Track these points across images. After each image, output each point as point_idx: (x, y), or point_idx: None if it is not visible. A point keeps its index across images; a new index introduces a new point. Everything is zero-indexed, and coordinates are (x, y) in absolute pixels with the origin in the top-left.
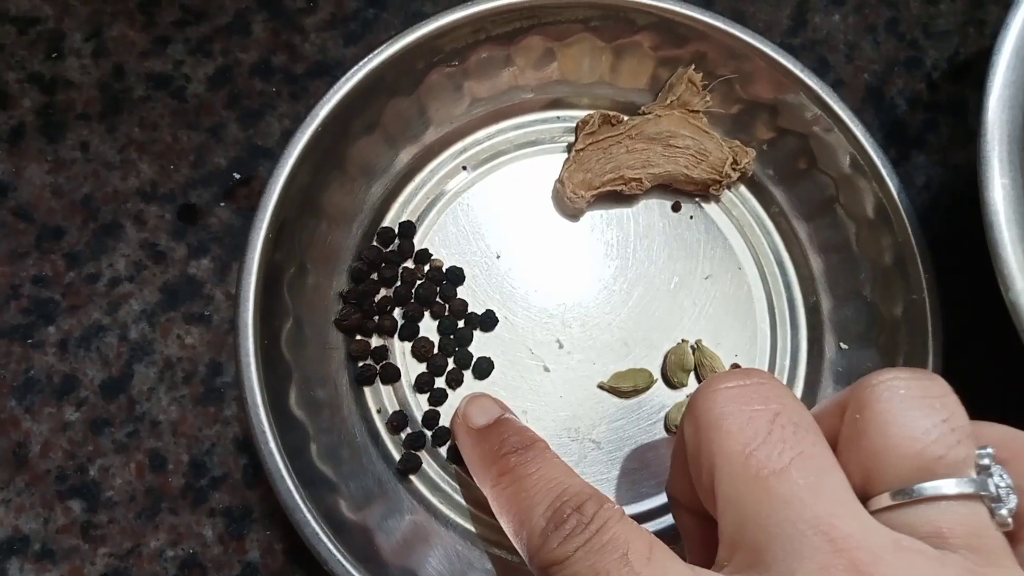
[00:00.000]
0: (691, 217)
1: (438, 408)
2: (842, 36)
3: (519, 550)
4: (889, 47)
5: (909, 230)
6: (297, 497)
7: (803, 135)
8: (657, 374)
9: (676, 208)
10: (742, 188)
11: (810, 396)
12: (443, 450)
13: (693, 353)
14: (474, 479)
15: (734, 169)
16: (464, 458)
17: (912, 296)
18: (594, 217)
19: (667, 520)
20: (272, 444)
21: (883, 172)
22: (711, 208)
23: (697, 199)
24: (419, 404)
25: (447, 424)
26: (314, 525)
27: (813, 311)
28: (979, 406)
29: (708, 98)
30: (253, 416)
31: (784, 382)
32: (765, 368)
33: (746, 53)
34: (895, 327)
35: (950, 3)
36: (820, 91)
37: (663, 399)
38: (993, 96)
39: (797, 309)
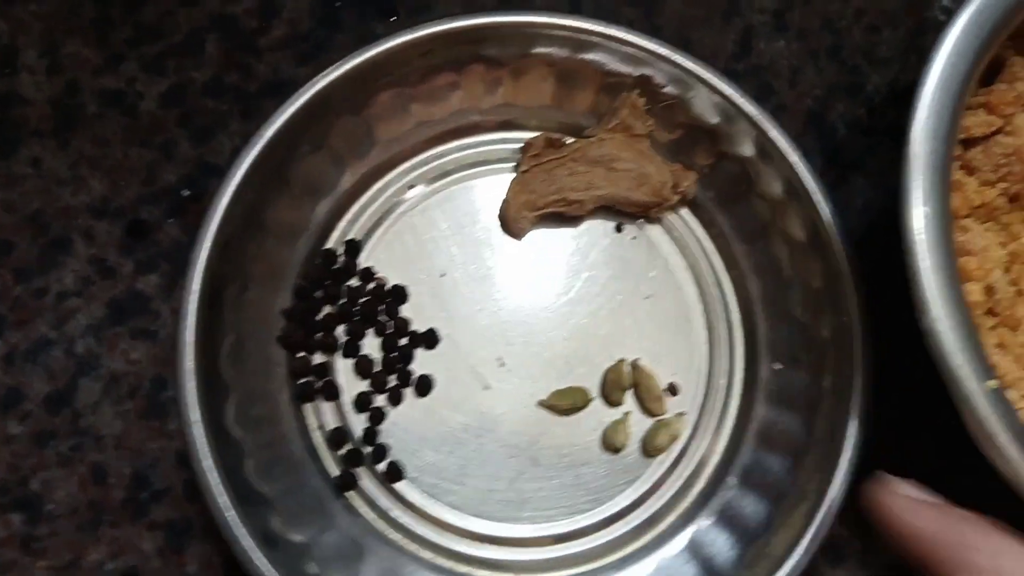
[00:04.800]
0: (633, 238)
1: (378, 426)
2: (786, 62)
3: None
4: (831, 73)
5: (839, 255)
6: (231, 513)
7: (742, 160)
8: (595, 392)
9: (619, 229)
10: (684, 210)
11: (744, 417)
12: (382, 467)
13: (630, 372)
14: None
15: (674, 192)
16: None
17: (841, 318)
18: (538, 237)
19: (602, 538)
20: (208, 460)
21: (816, 198)
22: (653, 229)
23: (640, 220)
24: (359, 421)
25: (386, 441)
26: (245, 542)
27: (750, 332)
28: (907, 427)
29: (651, 122)
30: (189, 432)
31: (720, 402)
32: (702, 388)
33: (687, 79)
34: (824, 348)
35: (891, 31)
36: (757, 117)
37: (600, 417)
38: (917, 126)
39: (735, 330)
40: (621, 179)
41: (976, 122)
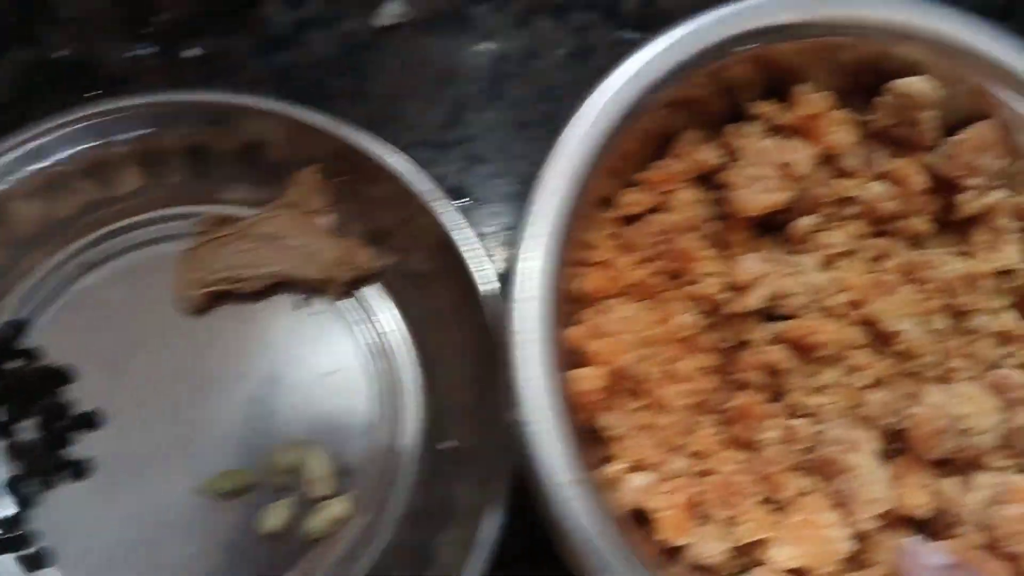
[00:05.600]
0: (318, 313)
1: (27, 511)
2: (495, 134)
3: None
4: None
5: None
6: None
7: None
8: (262, 474)
9: (300, 305)
10: (368, 288)
11: (423, 488)
12: (26, 552)
13: (299, 453)
14: None
15: (348, 270)
16: None
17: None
18: (219, 314)
19: None
20: None
21: (473, 276)
22: (345, 304)
23: (324, 296)
24: (8, 504)
25: (36, 527)
26: None
27: (430, 411)
28: None
29: (327, 198)
30: None
31: (392, 479)
32: (375, 470)
33: (365, 161)
34: (488, 428)
35: None
36: (432, 207)
37: (263, 500)
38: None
39: (409, 409)
40: (290, 256)
41: (632, 200)
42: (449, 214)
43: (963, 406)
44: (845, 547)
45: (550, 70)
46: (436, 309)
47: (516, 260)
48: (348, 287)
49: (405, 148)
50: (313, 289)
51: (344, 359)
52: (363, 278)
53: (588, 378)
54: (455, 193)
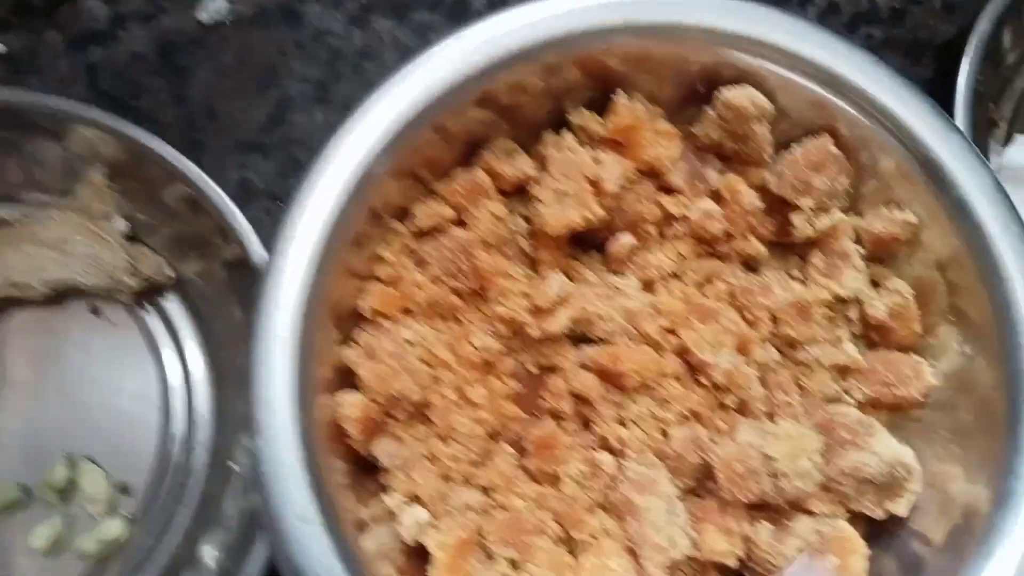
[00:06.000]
0: (106, 325)
1: None
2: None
3: None
4: None
5: None
6: None
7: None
8: (38, 490)
9: (91, 314)
10: (165, 299)
11: (213, 506)
12: None
13: (71, 469)
14: None
15: (135, 277)
16: None
17: None
18: (3, 320)
19: None
20: None
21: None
22: (130, 316)
23: (116, 305)
24: None
25: None
26: None
27: (218, 427)
28: None
29: (115, 203)
30: None
31: (179, 498)
32: (157, 488)
33: (158, 166)
34: None
35: None
36: (226, 215)
37: (36, 517)
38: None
39: (200, 428)
40: (73, 262)
41: (429, 212)
42: (242, 223)
43: (777, 446)
44: None
45: (384, 72)
46: (232, 323)
47: (268, 268)
48: (141, 297)
49: (223, 150)
50: (103, 298)
51: (136, 373)
52: (157, 288)
53: (353, 404)
54: (272, 197)
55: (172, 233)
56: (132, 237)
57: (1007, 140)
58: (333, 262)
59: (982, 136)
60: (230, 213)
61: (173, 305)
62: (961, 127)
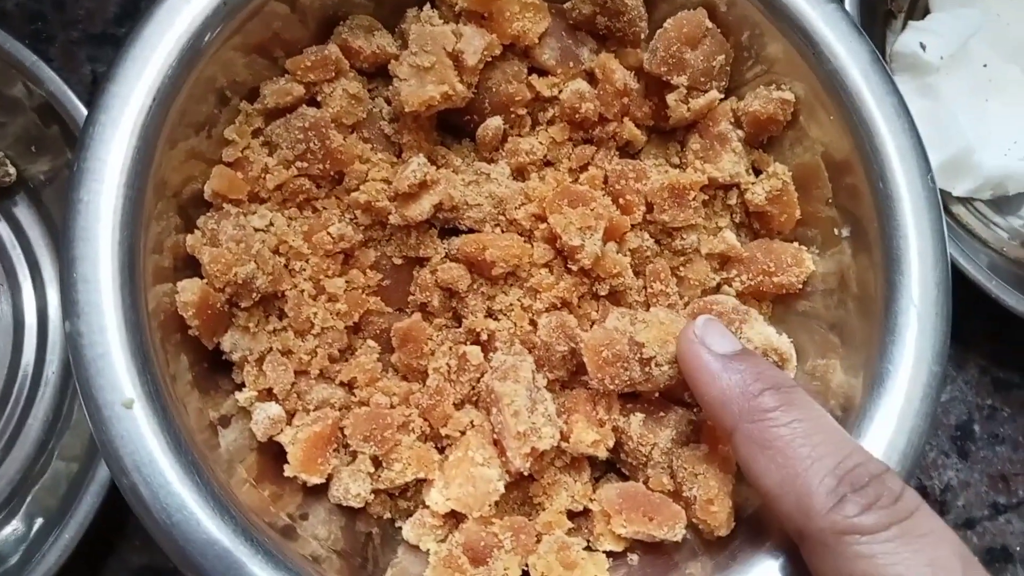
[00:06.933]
0: None
1: None
2: None
3: (778, 503)
4: None
5: None
6: None
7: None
8: None
9: None
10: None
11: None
12: None
13: None
14: (707, 413)
15: None
16: (695, 387)
17: None
18: None
19: None
20: None
21: None
22: None
23: None
24: None
25: None
26: None
27: None
28: None
29: None
30: None
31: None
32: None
33: None
34: None
35: None
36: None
37: None
38: None
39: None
40: None
41: (277, 89)
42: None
43: (646, 332)
44: (498, 487)
45: None
46: None
47: (83, 138)
48: None
49: (70, 43)
50: None
51: None
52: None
53: (190, 289)
54: None
55: (17, 131)
56: None
57: (903, 30)
58: (164, 140)
59: (880, 27)
60: (80, 113)
61: (22, 209)
62: (849, 11)
